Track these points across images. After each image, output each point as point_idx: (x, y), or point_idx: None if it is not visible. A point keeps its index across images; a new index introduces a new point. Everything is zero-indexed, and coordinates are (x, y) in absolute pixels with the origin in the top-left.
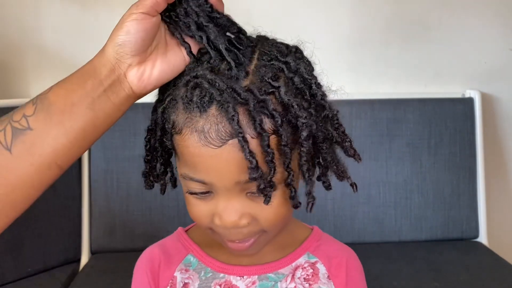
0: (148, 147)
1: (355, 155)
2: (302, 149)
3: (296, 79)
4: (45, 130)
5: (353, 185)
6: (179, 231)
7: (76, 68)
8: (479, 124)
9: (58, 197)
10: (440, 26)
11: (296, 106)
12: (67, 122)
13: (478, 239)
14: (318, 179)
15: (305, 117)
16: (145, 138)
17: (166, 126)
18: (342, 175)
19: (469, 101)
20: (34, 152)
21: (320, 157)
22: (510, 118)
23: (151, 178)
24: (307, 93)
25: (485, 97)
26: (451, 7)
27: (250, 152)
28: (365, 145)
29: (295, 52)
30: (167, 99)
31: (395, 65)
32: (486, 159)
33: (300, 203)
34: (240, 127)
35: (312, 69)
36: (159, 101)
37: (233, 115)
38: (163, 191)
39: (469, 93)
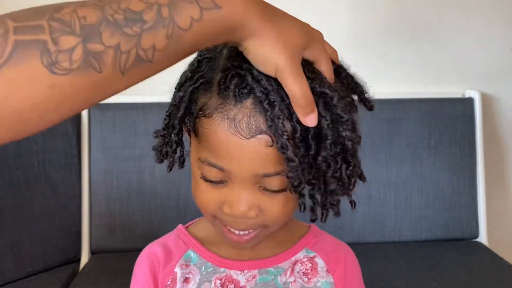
0: (167, 121)
1: (361, 176)
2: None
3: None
4: (161, 66)
5: (352, 202)
6: (179, 228)
7: None
8: (479, 124)
9: (58, 197)
10: (440, 26)
11: (345, 119)
12: (177, 60)
13: (478, 239)
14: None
15: (350, 129)
16: (166, 112)
17: (193, 107)
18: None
19: (469, 101)
20: (139, 79)
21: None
22: (510, 118)
23: (162, 154)
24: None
25: (485, 97)
26: (451, 7)
27: (291, 153)
28: (365, 145)
29: None
30: (200, 80)
31: (395, 65)
32: (486, 159)
33: (316, 216)
34: (282, 129)
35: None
36: (189, 79)
37: (279, 115)
38: (170, 168)
39: (469, 93)
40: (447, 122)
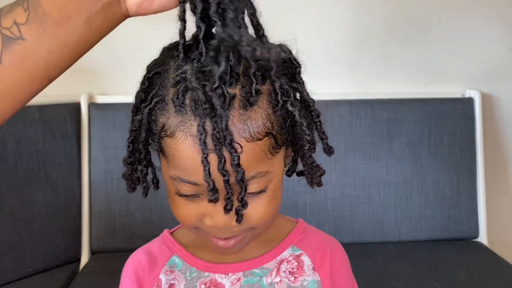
0: (131, 149)
1: (330, 150)
2: (304, 151)
3: (284, 81)
4: (38, 42)
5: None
6: (164, 234)
7: (76, 68)
8: (479, 124)
9: (58, 197)
10: (440, 26)
11: (298, 116)
12: (62, 37)
13: (478, 239)
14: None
15: (306, 125)
16: (128, 139)
17: (154, 128)
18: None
19: (469, 101)
20: (25, 64)
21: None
22: (510, 118)
23: (133, 181)
24: (296, 95)
25: (485, 97)
26: (451, 7)
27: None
28: (365, 145)
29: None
30: (154, 100)
31: (395, 65)
32: (486, 159)
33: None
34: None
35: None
36: (143, 101)
37: (223, 127)
38: (145, 194)
39: (469, 93)
40: (447, 122)
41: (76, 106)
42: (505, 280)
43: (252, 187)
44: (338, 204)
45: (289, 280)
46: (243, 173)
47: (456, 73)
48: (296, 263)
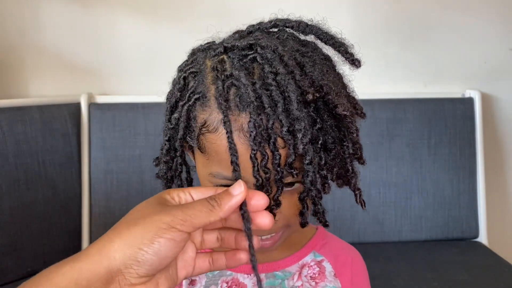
0: (167, 147)
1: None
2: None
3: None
4: None
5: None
6: None
7: (76, 68)
8: (479, 124)
9: (58, 197)
10: (440, 26)
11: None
12: None
13: (478, 239)
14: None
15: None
16: (165, 139)
17: (193, 125)
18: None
19: (469, 101)
20: None
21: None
22: (510, 118)
23: (168, 180)
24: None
25: (485, 97)
26: (451, 7)
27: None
28: (365, 145)
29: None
30: (193, 97)
31: (395, 65)
32: (486, 159)
33: (307, 222)
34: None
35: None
36: (180, 99)
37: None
38: None
39: (469, 93)
40: (447, 122)
41: (76, 106)
42: (505, 280)
43: (289, 179)
44: (338, 204)
45: (310, 285)
46: (283, 172)
47: (456, 73)
48: (317, 269)
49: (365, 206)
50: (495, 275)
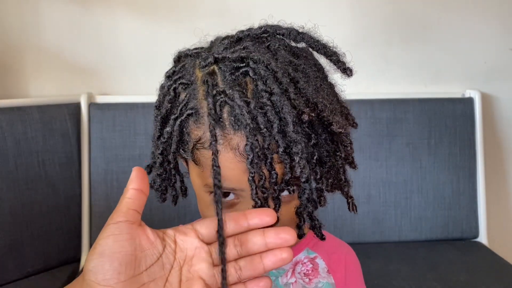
0: (161, 160)
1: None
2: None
3: None
4: None
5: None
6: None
7: (76, 68)
8: (479, 124)
9: (58, 197)
10: (440, 26)
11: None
12: None
13: (478, 239)
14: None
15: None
16: (159, 152)
17: (187, 139)
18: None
19: (469, 101)
20: None
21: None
22: (510, 118)
23: (162, 191)
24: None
25: (485, 97)
26: (451, 7)
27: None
28: (365, 145)
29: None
30: (186, 112)
31: (395, 65)
32: (486, 159)
33: (304, 234)
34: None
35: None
36: (171, 111)
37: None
38: (175, 202)
39: (469, 93)
40: (447, 122)
41: (76, 106)
42: (505, 280)
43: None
44: (338, 204)
45: (303, 282)
46: (280, 191)
47: (456, 73)
48: (311, 265)
49: (357, 211)
50: (495, 275)
